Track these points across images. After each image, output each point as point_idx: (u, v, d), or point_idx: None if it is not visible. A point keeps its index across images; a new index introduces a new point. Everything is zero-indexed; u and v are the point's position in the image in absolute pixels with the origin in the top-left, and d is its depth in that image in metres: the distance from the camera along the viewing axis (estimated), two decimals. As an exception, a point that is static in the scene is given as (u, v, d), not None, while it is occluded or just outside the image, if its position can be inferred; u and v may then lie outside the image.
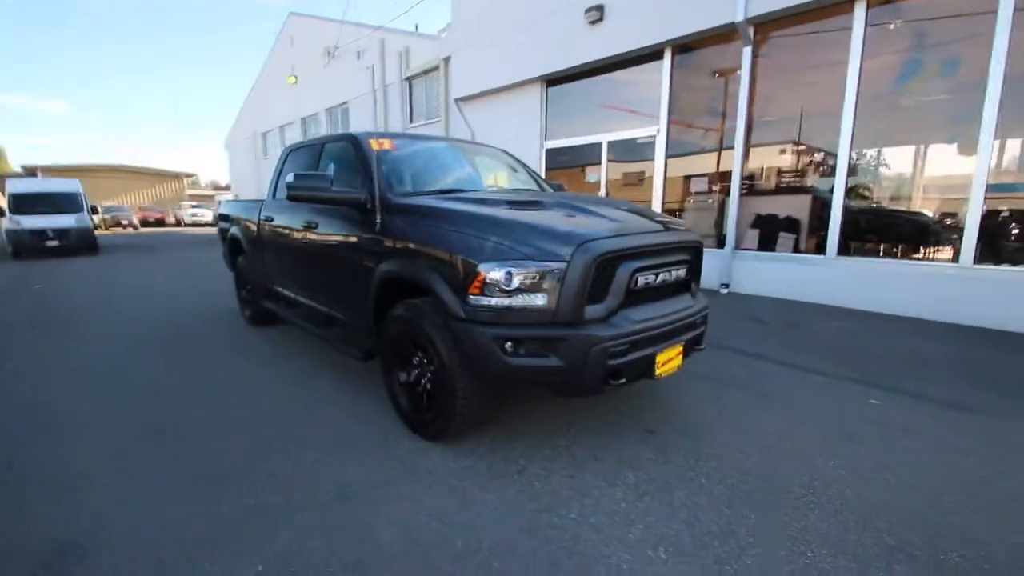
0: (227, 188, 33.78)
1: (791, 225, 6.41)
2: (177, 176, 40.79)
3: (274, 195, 4.18)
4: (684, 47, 7.05)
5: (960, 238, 4.97)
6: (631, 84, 7.91)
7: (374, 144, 3.16)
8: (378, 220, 2.67)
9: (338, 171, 3.47)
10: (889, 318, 5.18)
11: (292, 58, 17.86)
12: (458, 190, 3.06)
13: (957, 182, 5.14)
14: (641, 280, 2.26)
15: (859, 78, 5.49)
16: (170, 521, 1.92)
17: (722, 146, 6.96)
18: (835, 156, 5.77)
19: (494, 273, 2.07)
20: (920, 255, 5.48)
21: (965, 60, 5.04)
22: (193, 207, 33.41)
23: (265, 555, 1.73)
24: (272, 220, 4.07)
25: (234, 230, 4.98)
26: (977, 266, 4.88)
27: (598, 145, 8.30)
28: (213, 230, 8.71)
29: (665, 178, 7.53)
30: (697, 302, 2.70)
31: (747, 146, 6.57)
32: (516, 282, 2.06)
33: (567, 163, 9.12)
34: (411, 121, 12.98)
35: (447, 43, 10.96)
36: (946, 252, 5.21)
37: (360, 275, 2.85)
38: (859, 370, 3.66)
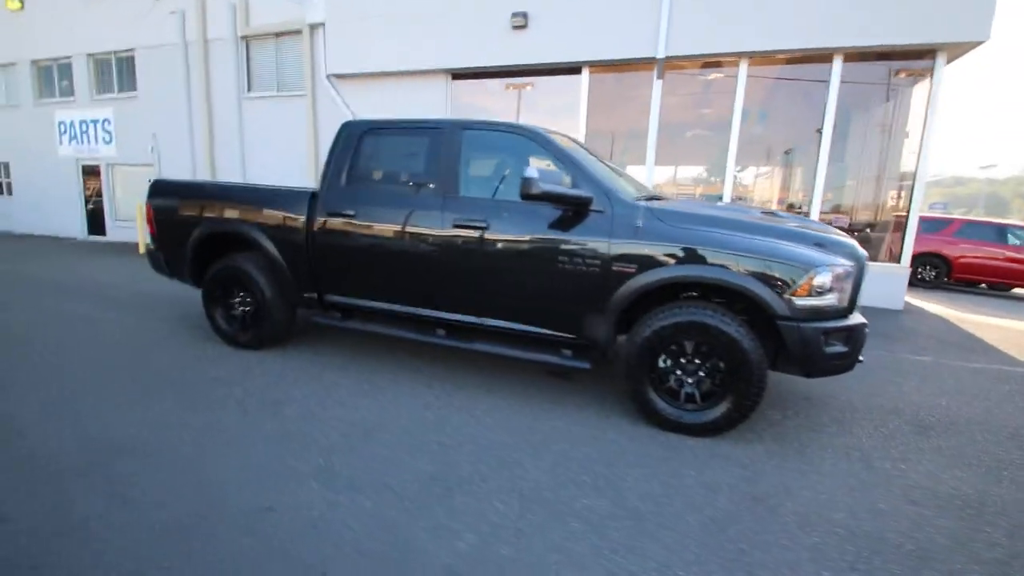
0: None
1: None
2: None
3: (343, 182, 3.30)
4: (599, 67, 7.98)
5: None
6: (548, 91, 8.48)
7: (560, 141, 2.97)
8: (639, 224, 2.61)
9: (474, 166, 3.11)
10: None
11: (7, -31, 12.32)
12: (659, 196, 3.18)
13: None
14: (860, 279, 2.91)
15: (741, 114, 7.31)
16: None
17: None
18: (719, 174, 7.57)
19: (820, 277, 2.42)
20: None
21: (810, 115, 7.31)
22: None
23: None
24: (352, 215, 3.23)
25: (211, 227, 3.64)
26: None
27: (513, 146, 8.61)
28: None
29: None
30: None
31: (655, 162, 7.93)
32: (830, 283, 2.45)
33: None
34: (249, 90, 10.66)
35: (318, 7, 9.45)
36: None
37: (592, 281, 2.72)
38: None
